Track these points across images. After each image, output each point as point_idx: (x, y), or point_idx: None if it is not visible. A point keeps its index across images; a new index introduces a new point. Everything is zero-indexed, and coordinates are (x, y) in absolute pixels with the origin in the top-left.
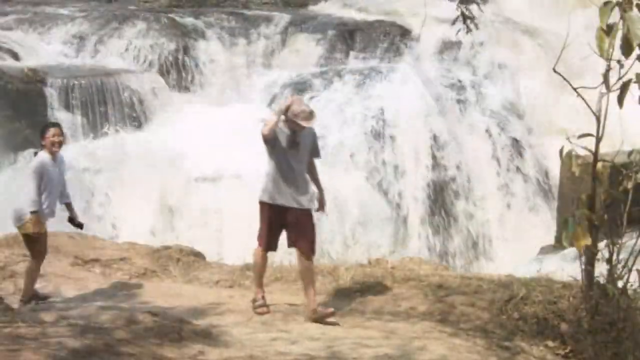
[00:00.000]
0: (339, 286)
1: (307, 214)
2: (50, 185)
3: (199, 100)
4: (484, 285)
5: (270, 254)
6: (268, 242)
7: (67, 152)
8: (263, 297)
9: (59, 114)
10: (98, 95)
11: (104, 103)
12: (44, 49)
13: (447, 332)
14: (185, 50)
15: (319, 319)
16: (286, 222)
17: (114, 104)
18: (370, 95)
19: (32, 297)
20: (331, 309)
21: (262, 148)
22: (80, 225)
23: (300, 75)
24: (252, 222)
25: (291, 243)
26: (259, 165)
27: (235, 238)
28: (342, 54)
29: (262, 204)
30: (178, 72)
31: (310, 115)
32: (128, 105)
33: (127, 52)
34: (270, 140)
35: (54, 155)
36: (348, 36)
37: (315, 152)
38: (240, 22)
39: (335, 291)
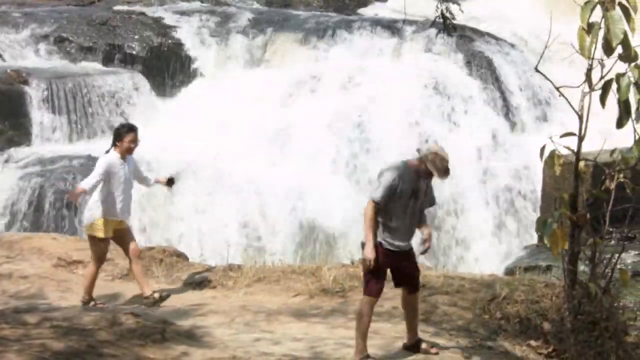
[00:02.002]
0: (322, 286)
1: (413, 252)
2: (118, 184)
3: (182, 100)
4: (466, 285)
5: (253, 255)
6: (380, 289)
7: (51, 153)
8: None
9: (42, 115)
10: (81, 96)
11: (88, 104)
12: (27, 50)
13: (429, 332)
14: (170, 50)
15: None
16: (398, 265)
17: (97, 104)
18: (354, 95)
19: (90, 300)
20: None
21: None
22: (171, 181)
23: (285, 75)
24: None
25: (399, 282)
26: (243, 167)
27: (217, 239)
28: (325, 53)
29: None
30: (162, 72)
31: (447, 171)
32: (112, 106)
33: (110, 53)
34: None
35: (124, 156)
36: (331, 35)
37: (432, 200)
38: (222, 21)
39: (318, 291)
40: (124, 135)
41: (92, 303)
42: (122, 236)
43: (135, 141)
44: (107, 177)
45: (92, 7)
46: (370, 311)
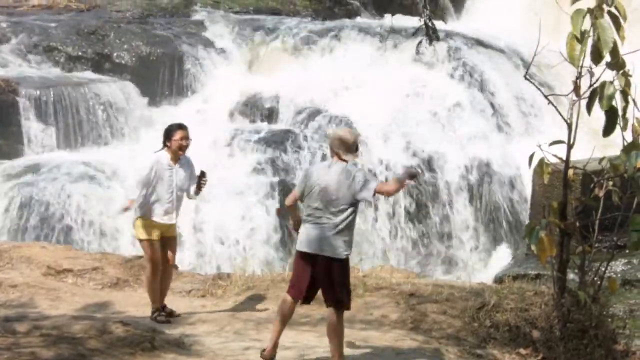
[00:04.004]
0: None
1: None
2: (164, 187)
3: (172, 109)
4: (455, 293)
5: (242, 264)
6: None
7: (40, 162)
8: None
9: (32, 124)
10: (71, 105)
11: (78, 113)
12: (16, 59)
13: (419, 340)
14: (159, 60)
15: None
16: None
17: (88, 114)
18: (343, 104)
19: (156, 309)
20: None
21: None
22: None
23: (274, 84)
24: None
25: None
26: (232, 176)
27: (206, 248)
28: (315, 62)
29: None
30: (152, 81)
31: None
32: (101, 116)
33: (99, 62)
34: None
35: (176, 157)
36: (322, 43)
37: None
38: (212, 30)
39: None
40: (173, 133)
41: (155, 314)
42: (165, 244)
43: (186, 138)
44: (150, 177)
45: (81, 16)
46: None
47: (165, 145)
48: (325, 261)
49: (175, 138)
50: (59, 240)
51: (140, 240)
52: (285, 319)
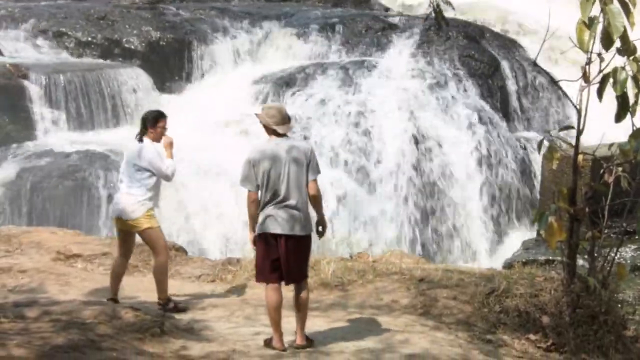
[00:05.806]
0: (321, 280)
1: None
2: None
3: (181, 95)
4: (465, 279)
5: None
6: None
7: (50, 147)
8: None
9: (41, 110)
10: (81, 90)
11: (87, 98)
12: (26, 44)
13: (429, 325)
14: (168, 45)
15: None
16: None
17: (97, 99)
18: (352, 90)
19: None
20: None
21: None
22: None
23: (284, 70)
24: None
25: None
26: (241, 162)
27: (215, 233)
28: (324, 48)
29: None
30: (161, 67)
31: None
32: (110, 101)
33: (108, 48)
34: None
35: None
36: (330, 30)
37: None
38: (222, 17)
39: (317, 285)
40: (159, 120)
41: (172, 304)
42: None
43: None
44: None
45: (90, 1)
46: None
47: (148, 132)
48: (301, 239)
49: (160, 125)
50: (69, 225)
51: (153, 228)
52: (280, 306)
